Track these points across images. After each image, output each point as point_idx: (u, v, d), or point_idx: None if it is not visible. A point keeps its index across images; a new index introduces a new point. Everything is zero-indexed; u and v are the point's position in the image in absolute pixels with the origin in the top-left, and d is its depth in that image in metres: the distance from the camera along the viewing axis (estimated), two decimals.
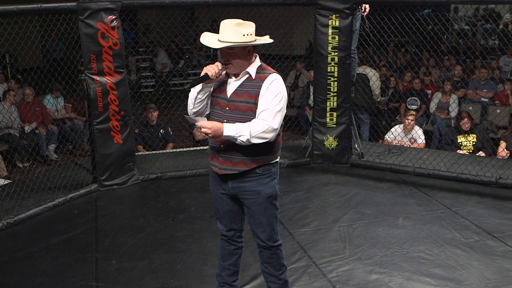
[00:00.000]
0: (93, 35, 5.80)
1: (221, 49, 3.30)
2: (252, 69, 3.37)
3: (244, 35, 3.25)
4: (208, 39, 3.36)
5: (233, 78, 3.40)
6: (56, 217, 5.54)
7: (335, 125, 6.73)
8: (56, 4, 5.81)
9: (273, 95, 3.30)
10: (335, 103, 6.65)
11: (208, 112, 3.53)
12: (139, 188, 6.26)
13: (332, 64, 6.53)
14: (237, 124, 3.25)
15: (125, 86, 6.09)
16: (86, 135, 9.03)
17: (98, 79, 5.90)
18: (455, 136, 7.82)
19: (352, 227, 5.14)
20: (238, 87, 3.37)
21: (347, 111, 6.71)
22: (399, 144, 7.76)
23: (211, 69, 3.26)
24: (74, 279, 4.34)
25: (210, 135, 3.22)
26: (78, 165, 6.90)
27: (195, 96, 3.42)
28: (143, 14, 15.73)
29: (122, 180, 6.25)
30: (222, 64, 3.34)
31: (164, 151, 7.60)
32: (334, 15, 6.38)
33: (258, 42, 3.35)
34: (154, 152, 7.50)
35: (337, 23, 6.39)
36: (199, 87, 3.39)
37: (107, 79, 5.92)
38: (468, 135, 7.77)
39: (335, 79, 6.57)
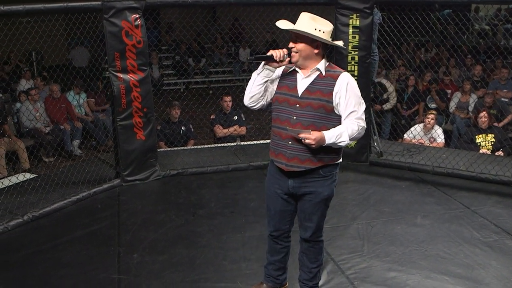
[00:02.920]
0: (117, 33, 5.84)
1: (290, 34, 3.33)
2: (321, 66, 3.37)
3: (315, 29, 3.27)
4: (282, 22, 3.38)
5: (302, 75, 3.40)
6: (80, 211, 5.59)
7: None
8: (82, 3, 5.86)
9: (356, 96, 3.35)
10: None
11: (264, 103, 3.51)
12: (161, 184, 6.30)
13: (352, 63, 6.50)
14: (334, 130, 3.28)
15: (148, 83, 6.12)
16: (110, 131, 9.13)
17: (121, 76, 5.94)
18: (474, 135, 7.73)
19: (371, 224, 5.11)
20: (310, 84, 3.37)
21: (366, 110, 6.64)
22: (418, 143, 7.70)
23: (277, 51, 3.29)
24: (97, 271, 4.37)
25: (313, 146, 3.24)
26: (101, 161, 6.95)
27: (255, 78, 3.43)
28: (166, 13, 15.76)
29: (144, 176, 6.29)
30: (289, 52, 3.34)
31: (185, 147, 7.62)
32: (354, 15, 6.34)
33: (326, 40, 3.34)
34: (175, 148, 7.54)
35: (358, 23, 6.35)
36: (260, 68, 3.40)
37: (130, 76, 5.96)
38: (487, 135, 7.67)
39: (355, 78, 6.52)
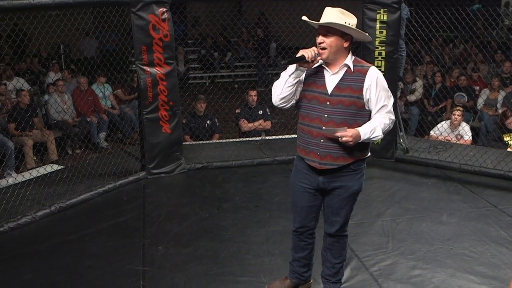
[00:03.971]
0: (144, 27, 5.87)
1: (319, 30, 3.30)
2: (349, 62, 3.35)
3: (345, 22, 3.25)
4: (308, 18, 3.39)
5: (330, 72, 3.37)
6: (106, 203, 5.66)
7: None
8: None
9: (385, 89, 3.35)
10: None
11: (294, 102, 3.49)
12: (186, 177, 6.33)
13: (379, 58, 6.44)
14: (367, 126, 3.29)
15: (174, 77, 6.16)
16: (136, 124, 9.20)
17: (148, 69, 5.98)
18: (502, 134, 7.61)
19: (396, 221, 5.07)
20: (339, 81, 3.35)
21: (393, 105, 6.60)
22: (445, 140, 7.61)
23: (308, 52, 3.26)
24: (122, 262, 4.42)
25: (351, 144, 3.25)
26: (127, 153, 7.01)
27: (286, 80, 3.38)
28: (192, 7, 15.84)
29: (170, 169, 6.33)
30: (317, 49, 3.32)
31: (210, 141, 7.65)
32: (382, 10, 6.28)
33: (357, 32, 3.33)
34: (200, 142, 7.57)
35: (385, 18, 6.29)
36: (292, 69, 3.36)
37: (157, 70, 5.99)
38: None
39: (382, 73, 6.46)
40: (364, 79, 3.30)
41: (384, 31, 6.34)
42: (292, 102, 3.47)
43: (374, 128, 3.28)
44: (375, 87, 3.30)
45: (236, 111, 8.37)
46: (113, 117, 9.44)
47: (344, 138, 3.22)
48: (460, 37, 13.46)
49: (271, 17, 9.99)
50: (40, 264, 4.45)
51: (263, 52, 13.78)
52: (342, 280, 3.90)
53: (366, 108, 3.34)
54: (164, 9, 5.92)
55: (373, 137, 3.29)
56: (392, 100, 3.39)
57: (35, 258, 4.57)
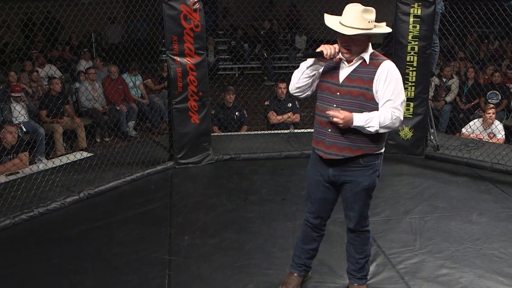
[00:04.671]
0: (175, 17, 5.90)
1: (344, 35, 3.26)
2: (366, 55, 3.33)
3: (369, 21, 3.23)
4: (332, 22, 3.32)
5: (345, 63, 3.37)
6: (134, 191, 5.72)
7: (411, 116, 6.56)
8: None
9: (395, 84, 3.29)
10: (412, 93, 6.48)
11: (309, 93, 3.51)
12: (213, 168, 6.37)
13: (412, 53, 6.37)
14: (366, 114, 3.25)
15: (204, 67, 6.18)
16: (165, 114, 9.27)
17: (178, 60, 6.01)
18: None
19: (424, 219, 5.02)
20: (351, 72, 3.34)
21: (424, 101, 6.54)
22: (477, 138, 7.49)
23: (328, 49, 3.25)
24: (148, 251, 4.47)
25: (341, 125, 3.23)
26: (156, 143, 7.07)
27: (303, 71, 3.41)
28: None
29: (197, 159, 6.37)
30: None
31: (238, 133, 7.67)
32: (416, 4, 6.20)
33: (381, 30, 3.32)
34: (229, 133, 7.59)
35: (419, 12, 6.21)
36: (310, 61, 3.37)
37: (187, 60, 6.02)
38: None
39: (414, 68, 6.40)
40: (376, 71, 3.28)
41: (418, 26, 6.26)
42: (308, 93, 3.51)
43: (370, 118, 3.23)
44: (385, 79, 3.27)
45: (265, 103, 8.37)
46: (142, 107, 9.53)
47: (335, 119, 3.22)
48: (495, 33, 13.21)
49: (303, 9, 9.95)
50: (68, 250, 4.53)
51: (273, 45, 13.74)
52: (368, 277, 3.88)
53: (376, 101, 3.31)
54: (196, 0, 5.94)
55: (368, 127, 3.24)
56: (401, 97, 3.31)
57: (63, 243, 4.65)
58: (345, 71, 3.36)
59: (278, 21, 15.62)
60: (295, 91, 3.51)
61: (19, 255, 4.48)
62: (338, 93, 3.34)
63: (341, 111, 3.22)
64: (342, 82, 3.34)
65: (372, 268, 4.08)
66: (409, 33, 6.31)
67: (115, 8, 6.44)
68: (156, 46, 9.52)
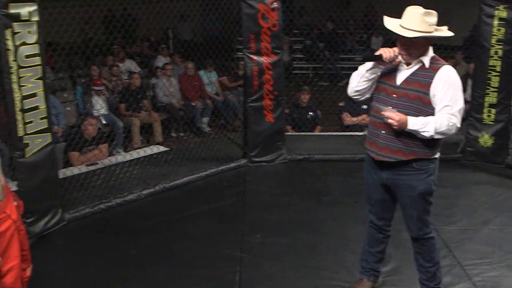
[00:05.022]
0: (253, 16, 5.94)
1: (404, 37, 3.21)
2: (426, 59, 3.26)
3: (429, 25, 3.17)
4: (392, 24, 3.28)
5: (404, 66, 3.32)
6: (207, 187, 5.81)
7: (492, 122, 6.31)
8: None
9: (454, 90, 3.21)
10: (495, 99, 6.23)
11: (367, 96, 3.48)
12: (286, 167, 6.36)
13: (495, 57, 6.12)
14: (421, 118, 3.19)
15: (280, 66, 6.20)
16: (238, 111, 9.36)
17: (255, 58, 6.05)
18: None
19: (504, 231, 4.81)
20: (410, 75, 3.28)
21: (507, 108, 6.27)
22: None
23: (387, 52, 3.21)
24: (220, 247, 4.52)
25: (395, 127, 3.18)
26: (230, 140, 7.15)
27: (363, 74, 3.38)
28: None
29: (271, 158, 6.38)
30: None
31: (312, 133, 7.64)
32: (501, 6, 5.95)
33: (442, 34, 3.26)
34: (302, 133, 7.57)
35: (505, 14, 5.95)
36: (369, 65, 3.34)
37: (264, 59, 6.05)
38: None
39: (497, 73, 6.15)
40: (434, 76, 3.19)
41: (503, 29, 6.01)
42: (367, 95, 3.47)
43: (426, 123, 3.14)
44: (443, 84, 3.17)
45: (340, 104, 8.29)
46: (217, 103, 9.64)
47: (389, 120, 3.14)
48: None
49: (381, 9, 9.78)
50: (143, 241, 4.66)
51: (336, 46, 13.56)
52: (441, 286, 3.76)
53: (433, 106, 3.21)
54: None
55: (422, 132, 3.15)
56: (460, 104, 3.20)
57: (139, 234, 4.79)
58: (403, 74, 3.30)
59: (355, 21, 15.41)
60: (354, 94, 3.48)
61: (96, 244, 4.66)
62: (395, 95, 3.28)
63: (396, 113, 3.16)
64: (400, 84, 3.29)
65: (447, 278, 3.96)
66: (493, 37, 6.06)
67: (188, 6, 6.54)
68: (232, 44, 9.62)
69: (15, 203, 3.01)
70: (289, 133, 7.39)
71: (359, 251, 4.33)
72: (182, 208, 5.27)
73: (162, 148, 7.08)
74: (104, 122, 7.93)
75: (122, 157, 6.43)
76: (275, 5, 5.94)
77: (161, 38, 13.64)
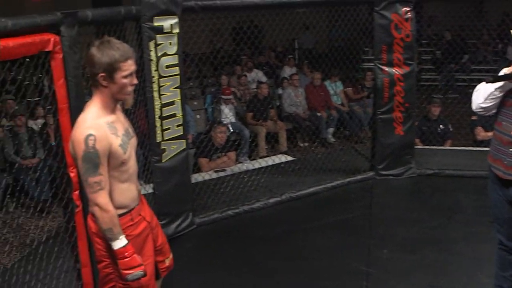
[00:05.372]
0: (386, 26, 5.84)
1: None
2: None
3: None
4: None
5: None
6: (333, 198, 5.78)
7: None
8: None
9: None
10: None
11: (493, 111, 3.30)
12: (415, 182, 6.17)
13: None
14: None
15: (413, 78, 6.05)
16: (364, 123, 9.24)
17: (386, 69, 5.95)
18: None
19: None
20: None
21: None
22: None
23: None
24: (346, 260, 4.47)
25: None
26: (356, 151, 7.08)
27: (491, 92, 3.20)
28: (429, 5, 15.34)
29: (399, 172, 6.22)
30: None
31: (442, 147, 7.35)
32: None
33: None
34: (433, 147, 7.30)
35: None
36: (500, 83, 3.17)
37: (395, 70, 5.94)
38: None
39: None
40: None
41: None
42: (493, 111, 3.28)
43: None
44: None
45: (472, 118, 7.90)
46: (342, 114, 9.59)
47: None
48: None
49: None
50: (269, 249, 4.73)
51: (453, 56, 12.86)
52: None
53: None
54: (408, 8, 5.84)
55: None
56: None
57: (266, 242, 4.87)
58: None
59: (488, 31, 14.70)
60: (479, 110, 3.31)
61: (224, 248, 4.81)
62: None
63: None
64: None
65: None
66: None
67: (314, 17, 6.56)
68: (358, 54, 9.53)
69: None
70: (418, 147, 7.17)
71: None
72: (308, 219, 5.29)
73: (288, 158, 7.16)
74: (231, 130, 8.16)
75: (251, 165, 6.57)
76: (409, 15, 5.82)
77: (287, 48, 13.84)
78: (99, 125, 2.62)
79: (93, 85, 2.68)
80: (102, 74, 2.59)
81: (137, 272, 2.68)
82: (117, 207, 2.73)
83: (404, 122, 6.07)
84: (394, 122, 6.06)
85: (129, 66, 2.63)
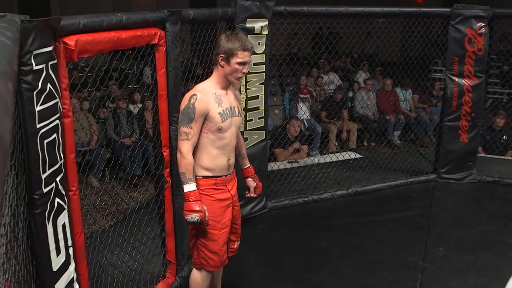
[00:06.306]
0: (460, 40, 5.63)
1: None
2: None
3: None
4: None
5: None
6: (396, 196, 5.64)
7: None
8: (432, 9, 5.85)
9: None
10: None
11: None
12: (475, 188, 5.91)
13: None
14: None
15: (481, 90, 5.78)
16: (429, 129, 8.96)
17: (456, 80, 5.72)
18: None
19: None
20: None
21: None
22: None
23: None
24: (404, 253, 4.36)
25: None
26: (420, 154, 6.88)
27: None
28: (504, 22, 14.61)
29: (460, 176, 5.99)
30: None
31: (504, 157, 7.02)
32: None
33: None
34: (495, 156, 6.98)
35: None
36: None
37: (465, 81, 5.70)
38: None
39: None
40: None
41: None
42: None
43: None
44: None
45: None
46: (409, 119, 9.33)
47: None
48: None
49: None
50: (334, 237, 4.68)
51: None
52: None
53: None
54: (482, 24, 5.58)
55: None
56: None
57: (330, 230, 4.82)
58: None
59: None
60: None
61: (292, 232, 4.80)
62: None
63: None
64: None
65: None
66: None
67: (392, 28, 6.40)
68: (427, 64, 9.22)
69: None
70: (480, 155, 6.88)
71: None
72: (371, 212, 5.20)
73: (355, 155, 7.05)
74: (306, 125, 8.12)
75: (322, 158, 6.52)
76: (483, 30, 5.57)
77: (362, 54, 13.60)
78: (206, 90, 2.87)
79: (213, 63, 2.93)
80: (222, 55, 2.85)
81: (195, 215, 2.78)
82: (204, 168, 2.91)
83: (469, 130, 5.83)
84: (460, 129, 5.83)
85: (245, 56, 2.85)
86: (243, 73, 2.88)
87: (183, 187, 2.83)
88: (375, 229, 4.82)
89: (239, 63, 2.83)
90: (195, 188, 2.82)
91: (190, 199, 2.79)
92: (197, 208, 2.78)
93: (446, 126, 5.85)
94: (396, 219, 5.05)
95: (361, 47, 13.93)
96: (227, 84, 2.93)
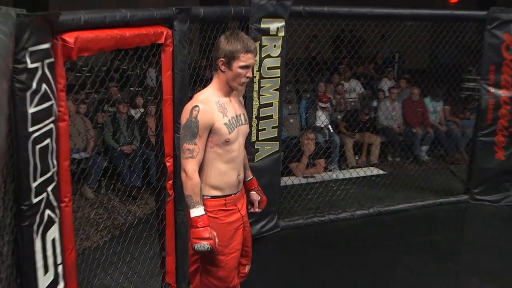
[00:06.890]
0: (497, 46, 5.60)
1: None
2: None
3: None
4: None
5: None
6: (423, 218, 5.60)
7: None
8: (467, 12, 5.81)
9: None
10: None
11: None
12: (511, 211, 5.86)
13: None
14: None
15: None
16: (461, 144, 8.88)
17: (492, 91, 5.69)
18: None
19: None
20: None
21: None
22: None
23: None
24: (430, 283, 4.29)
25: None
26: (451, 172, 6.82)
27: None
28: None
29: (496, 198, 5.92)
30: None
31: None
32: None
33: None
34: None
35: None
36: None
37: (502, 92, 5.67)
38: None
39: None
40: None
41: None
42: None
43: None
44: None
45: None
46: (438, 133, 9.26)
47: None
48: None
49: None
50: (351, 261, 4.64)
51: None
52: None
53: None
54: None
55: None
56: None
57: (348, 254, 4.79)
58: None
59: None
60: None
61: (305, 255, 4.77)
62: None
63: None
64: None
65: None
66: None
67: (418, 29, 6.39)
68: (462, 73, 9.16)
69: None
70: None
71: None
72: (394, 235, 5.15)
73: (378, 171, 7.01)
74: (322, 137, 8.09)
75: (341, 174, 6.49)
76: None
77: (388, 61, 13.57)
78: (208, 100, 2.79)
79: (214, 68, 2.86)
80: (222, 59, 2.77)
81: (204, 243, 2.71)
82: (211, 186, 2.84)
83: (506, 146, 5.77)
84: (496, 146, 5.78)
85: (248, 59, 2.77)
86: (247, 77, 2.81)
87: (189, 211, 2.75)
88: (398, 255, 4.77)
89: (242, 67, 2.76)
90: (204, 212, 2.74)
91: (199, 225, 2.71)
92: (207, 236, 2.70)
93: (480, 141, 5.80)
94: (422, 243, 4.99)
95: (377, 50, 13.92)
96: (229, 90, 2.87)
